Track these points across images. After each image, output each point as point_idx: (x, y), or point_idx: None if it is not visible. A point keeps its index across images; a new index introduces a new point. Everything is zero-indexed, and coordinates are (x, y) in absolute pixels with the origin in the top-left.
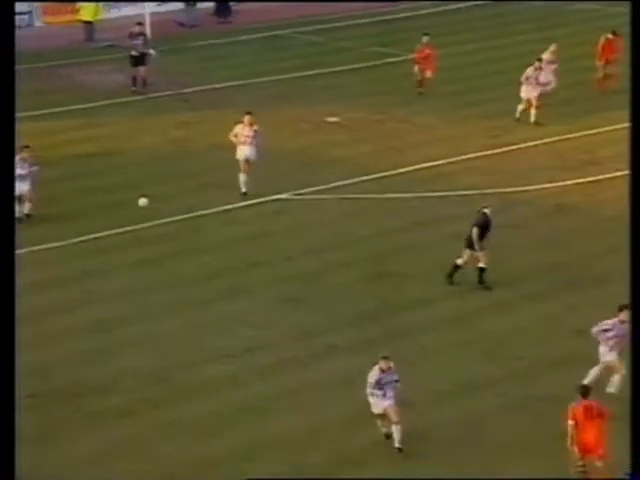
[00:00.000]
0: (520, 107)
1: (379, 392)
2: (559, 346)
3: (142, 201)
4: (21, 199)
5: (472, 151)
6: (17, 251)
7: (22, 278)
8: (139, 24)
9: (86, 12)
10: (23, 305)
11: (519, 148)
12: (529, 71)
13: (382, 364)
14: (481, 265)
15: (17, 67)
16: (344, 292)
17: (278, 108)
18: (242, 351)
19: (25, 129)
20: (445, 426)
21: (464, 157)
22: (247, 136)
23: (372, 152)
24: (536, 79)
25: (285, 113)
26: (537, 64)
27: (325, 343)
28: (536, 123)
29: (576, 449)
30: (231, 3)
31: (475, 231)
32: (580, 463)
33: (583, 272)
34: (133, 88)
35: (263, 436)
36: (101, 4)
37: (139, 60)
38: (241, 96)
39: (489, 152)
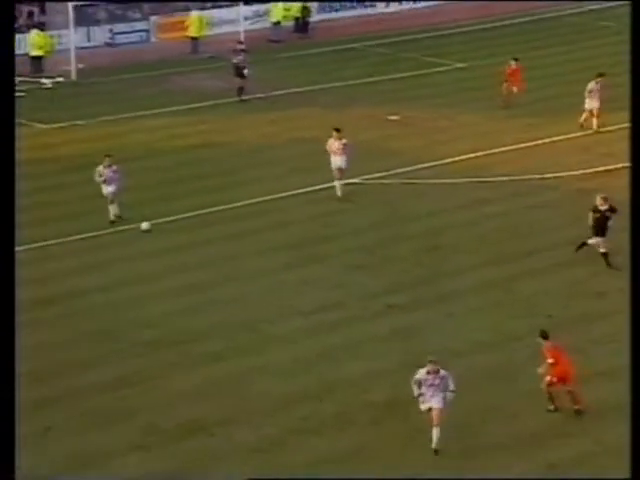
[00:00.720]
0: (583, 116)
1: (423, 391)
2: (582, 306)
3: (144, 225)
4: (111, 201)
5: (508, 144)
6: (143, 224)
7: (152, 244)
8: (240, 42)
9: (193, 29)
10: (140, 269)
11: (550, 142)
12: (591, 85)
13: (428, 366)
14: (602, 250)
15: (137, 75)
16: (402, 261)
17: (348, 108)
18: (316, 309)
19: (144, 126)
20: (485, 370)
21: (501, 149)
22: (338, 148)
23: (425, 145)
24: (598, 91)
25: (354, 112)
26: (598, 79)
27: (385, 303)
28: (597, 131)
29: (552, 383)
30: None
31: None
32: (550, 398)
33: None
34: (239, 97)
35: (332, 379)
36: (204, 21)
37: (240, 71)
38: (319, 98)
39: (522, 145)
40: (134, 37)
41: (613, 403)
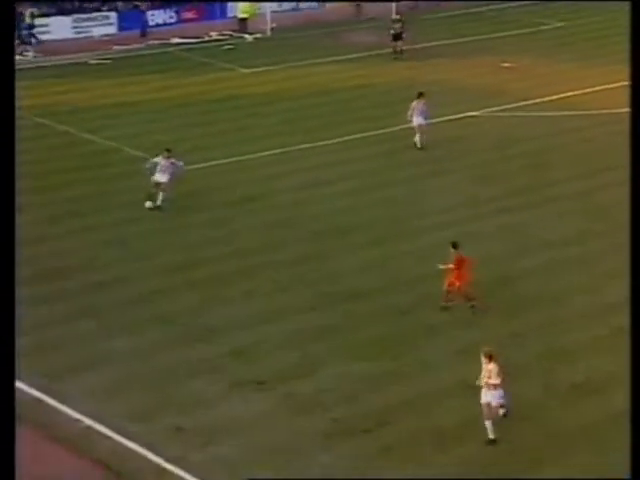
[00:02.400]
0: None
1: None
2: None
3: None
4: (158, 187)
5: (596, 85)
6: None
7: (322, 158)
8: (398, 14)
9: None
10: (315, 177)
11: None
12: None
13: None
14: None
15: (314, 32)
16: (511, 174)
17: (470, 58)
18: (447, 209)
19: (319, 70)
20: (571, 258)
21: (590, 90)
22: (417, 109)
23: (530, 86)
24: None
25: (475, 61)
26: None
27: (499, 205)
28: None
29: (451, 285)
30: None
31: None
32: (446, 297)
33: None
34: (394, 56)
35: None
36: None
37: (397, 37)
38: (447, 50)
39: (606, 86)
40: (313, 4)
41: None
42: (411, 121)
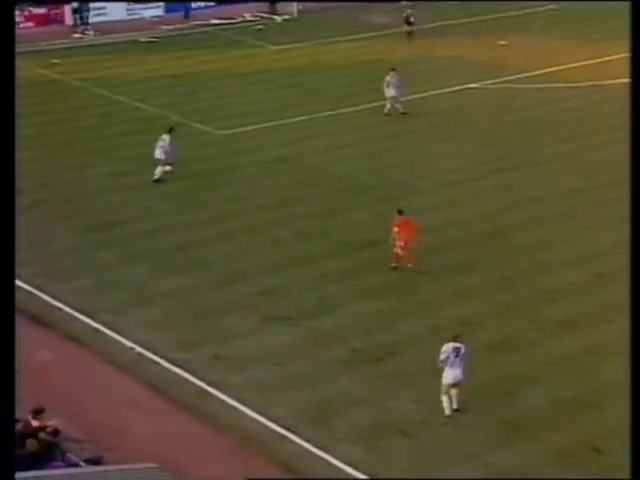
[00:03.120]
0: None
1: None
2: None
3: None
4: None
5: (582, 60)
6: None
7: (338, 125)
8: (409, 3)
9: None
10: (330, 141)
11: (611, 59)
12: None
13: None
14: None
15: (336, 13)
16: (506, 139)
17: (472, 36)
18: (447, 171)
19: (339, 47)
20: (558, 211)
21: (577, 64)
22: (391, 82)
23: (524, 61)
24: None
25: (476, 39)
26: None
27: (493, 167)
28: None
29: (400, 245)
30: None
31: None
32: (395, 258)
33: None
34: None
35: (457, 217)
36: None
37: (409, 22)
38: (451, 30)
39: (591, 62)
40: None
41: None
42: (386, 92)
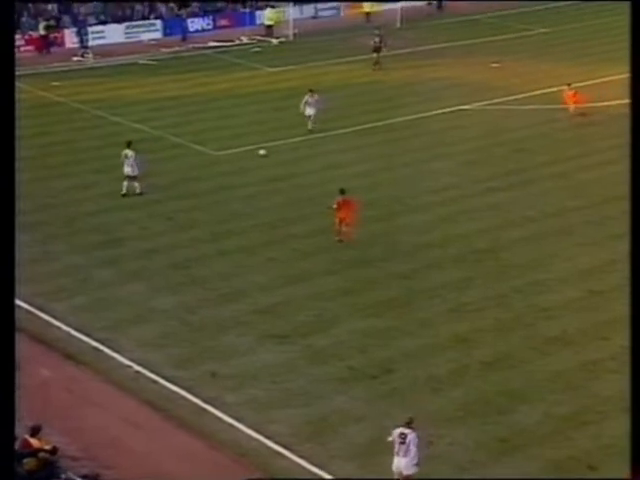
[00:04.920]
0: None
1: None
2: (619, 190)
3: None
4: (132, 179)
5: (573, 83)
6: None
7: (337, 144)
8: (377, 29)
9: (367, 6)
10: (329, 160)
11: (602, 81)
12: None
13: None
14: None
15: (330, 37)
16: (498, 159)
17: (465, 58)
18: (441, 189)
19: (334, 70)
20: (552, 229)
21: (573, 86)
22: (308, 102)
23: (516, 84)
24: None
25: (469, 61)
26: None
27: (486, 186)
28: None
29: (337, 222)
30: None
31: None
32: (337, 232)
33: None
34: (372, 67)
35: (452, 234)
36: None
37: (377, 49)
38: (445, 52)
39: (583, 84)
40: (330, 12)
41: None
42: (304, 111)
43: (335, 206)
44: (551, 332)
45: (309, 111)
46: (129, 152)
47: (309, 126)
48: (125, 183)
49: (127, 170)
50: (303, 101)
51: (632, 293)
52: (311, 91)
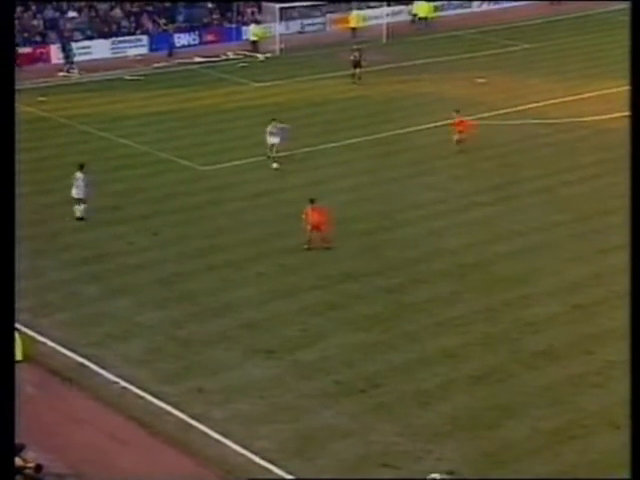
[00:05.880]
0: None
1: None
2: (607, 204)
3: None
4: (272, 148)
5: (558, 98)
6: None
7: (327, 159)
8: (357, 44)
9: (353, 22)
10: (314, 176)
11: (587, 97)
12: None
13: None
14: None
15: (317, 52)
16: (484, 173)
17: (451, 74)
18: (428, 203)
19: (320, 84)
20: (537, 245)
21: (553, 101)
22: (270, 132)
23: (501, 99)
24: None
25: (454, 76)
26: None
27: (472, 200)
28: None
29: (308, 229)
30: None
31: None
32: (308, 241)
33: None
34: (352, 81)
35: (439, 248)
36: (361, 17)
37: (357, 64)
38: (431, 67)
39: (568, 99)
40: (316, 27)
41: None
42: (268, 140)
43: (303, 216)
44: (538, 346)
45: (272, 140)
46: (79, 174)
47: (272, 153)
48: (78, 207)
49: (74, 192)
50: (267, 130)
51: (632, 305)
52: (274, 120)
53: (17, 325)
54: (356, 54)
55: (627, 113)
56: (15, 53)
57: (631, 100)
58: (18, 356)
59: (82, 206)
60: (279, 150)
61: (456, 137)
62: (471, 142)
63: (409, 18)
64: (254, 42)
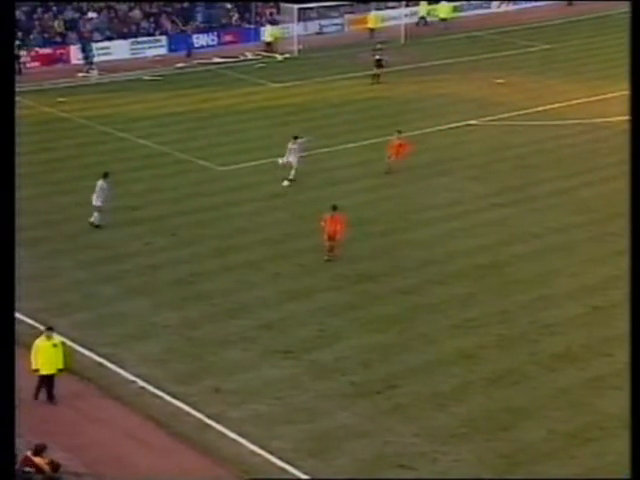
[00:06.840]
0: None
1: None
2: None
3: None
4: (285, 166)
5: (578, 98)
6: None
7: (343, 160)
8: (380, 42)
9: (371, 23)
10: (336, 175)
11: (607, 97)
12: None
13: None
14: None
15: (335, 53)
16: (503, 174)
17: (470, 75)
18: (445, 205)
19: (339, 85)
20: (555, 245)
21: (573, 102)
22: (292, 149)
23: (520, 99)
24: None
25: (473, 77)
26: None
27: (489, 202)
28: None
29: (325, 238)
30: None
31: None
32: (327, 251)
33: None
34: (372, 81)
35: (455, 249)
36: (379, 17)
37: (379, 64)
38: (450, 68)
39: (588, 99)
40: (334, 28)
41: None
42: (287, 159)
43: (322, 224)
44: (555, 348)
45: (289, 158)
46: (101, 182)
47: (290, 176)
48: (95, 214)
49: (93, 199)
50: (288, 147)
51: (631, 310)
52: (296, 137)
53: (36, 324)
54: (378, 54)
55: None
56: (15, 53)
57: (631, 100)
58: (59, 365)
59: (95, 213)
60: (294, 168)
61: (392, 159)
62: (490, 142)
63: (427, 19)
64: (269, 43)
